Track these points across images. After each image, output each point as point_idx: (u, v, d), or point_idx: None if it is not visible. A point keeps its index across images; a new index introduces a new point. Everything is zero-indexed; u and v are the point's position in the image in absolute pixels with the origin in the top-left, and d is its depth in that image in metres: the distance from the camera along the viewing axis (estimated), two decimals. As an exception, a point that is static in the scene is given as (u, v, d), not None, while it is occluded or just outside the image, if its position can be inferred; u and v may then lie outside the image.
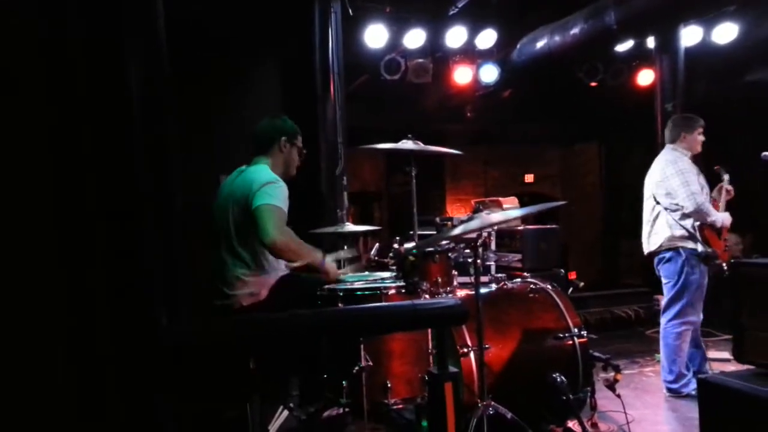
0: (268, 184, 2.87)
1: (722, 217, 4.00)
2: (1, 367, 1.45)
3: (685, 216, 3.95)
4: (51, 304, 1.55)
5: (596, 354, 3.33)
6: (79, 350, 1.54)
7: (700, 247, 3.91)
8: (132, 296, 1.58)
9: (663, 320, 4.10)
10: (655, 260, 4.16)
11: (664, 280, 4.12)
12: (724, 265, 3.95)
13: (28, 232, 1.54)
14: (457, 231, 3.03)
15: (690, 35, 6.08)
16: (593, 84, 6.84)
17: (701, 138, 4.16)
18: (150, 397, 1.53)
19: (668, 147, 4.19)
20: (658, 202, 4.07)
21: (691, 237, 3.94)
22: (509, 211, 3.94)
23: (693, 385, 3.92)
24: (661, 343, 4.09)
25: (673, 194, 3.98)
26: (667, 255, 4.04)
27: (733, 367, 4.38)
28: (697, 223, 3.94)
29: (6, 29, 1.51)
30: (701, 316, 4.06)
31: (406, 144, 3.31)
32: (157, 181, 1.87)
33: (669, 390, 4.03)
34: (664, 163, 4.10)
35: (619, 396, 3.21)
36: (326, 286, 2.93)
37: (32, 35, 1.56)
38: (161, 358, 1.47)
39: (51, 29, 1.57)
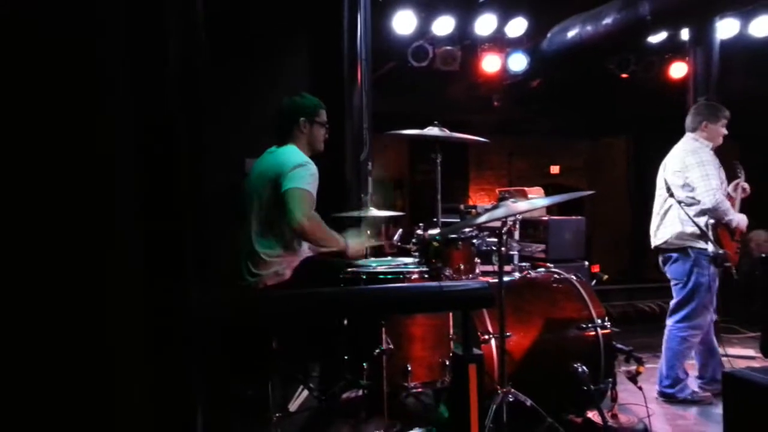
0: (299, 167, 2.88)
1: (739, 218, 3.76)
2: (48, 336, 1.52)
3: (700, 212, 3.70)
4: (95, 277, 1.61)
5: (619, 346, 3.31)
6: (115, 319, 1.58)
7: (710, 248, 3.67)
8: (165, 269, 1.62)
9: (669, 322, 3.86)
10: (661, 258, 3.95)
11: (672, 282, 3.89)
12: (734, 269, 3.73)
13: (78, 215, 1.60)
14: (483, 218, 3.03)
15: (726, 28, 5.94)
16: (624, 76, 6.73)
17: (724, 131, 3.89)
18: (181, 364, 1.57)
19: (688, 135, 3.93)
20: (671, 195, 3.83)
21: (702, 236, 3.70)
22: (535, 200, 3.90)
23: (689, 389, 3.77)
24: (664, 346, 3.85)
25: (690, 186, 3.72)
26: (675, 256, 3.82)
27: (757, 364, 4.34)
28: (711, 221, 3.69)
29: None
30: (713, 317, 3.84)
31: (432, 131, 3.31)
32: (189, 160, 1.91)
33: (662, 395, 3.79)
34: (683, 152, 3.84)
35: (640, 388, 3.19)
36: (349, 269, 2.94)
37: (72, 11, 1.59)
38: (192, 328, 1.50)
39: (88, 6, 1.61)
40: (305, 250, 3.08)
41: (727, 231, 3.76)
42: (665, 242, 3.86)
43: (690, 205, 3.75)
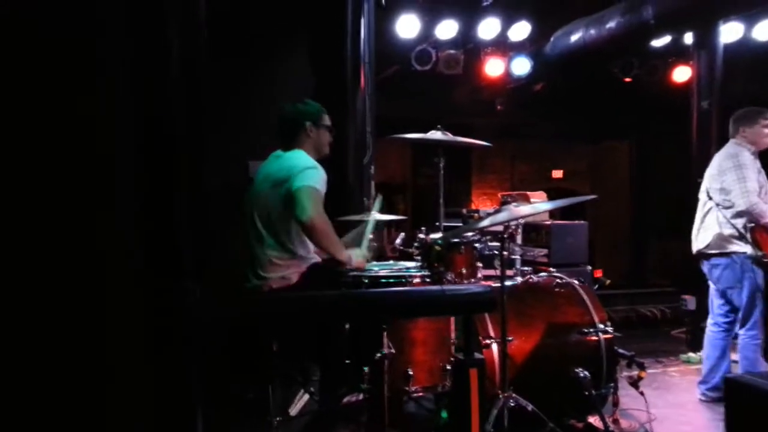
0: (308, 169, 2.89)
1: None
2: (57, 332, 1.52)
3: (737, 214, 3.69)
4: (95, 276, 1.61)
5: (621, 351, 3.30)
6: (115, 318, 1.59)
7: (749, 250, 3.66)
8: (165, 269, 1.63)
9: (741, 331, 3.79)
10: (706, 264, 3.91)
11: (726, 290, 3.84)
12: None
13: (78, 214, 1.61)
14: (485, 222, 3.03)
15: (730, 31, 5.93)
16: (627, 80, 6.72)
17: (767, 131, 3.88)
18: (181, 364, 1.57)
19: (731, 141, 3.95)
20: (710, 198, 3.84)
21: (741, 237, 3.69)
22: (538, 204, 3.90)
23: None
24: (740, 355, 3.79)
25: (726, 190, 3.73)
26: (721, 262, 3.79)
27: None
28: (750, 224, 3.66)
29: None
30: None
31: (435, 135, 3.31)
32: (189, 161, 1.92)
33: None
34: (723, 156, 3.86)
35: (642, 393, 3.18)
36: (351, 273, 2.94)
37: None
38: (192, 328, 1.51)
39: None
40: (312, 255, 3.07)
41: (766, 233, 3.71)
42: (707, 245, 3.86)
43: (727, 208, 3.75)
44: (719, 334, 3.91)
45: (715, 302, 3.96)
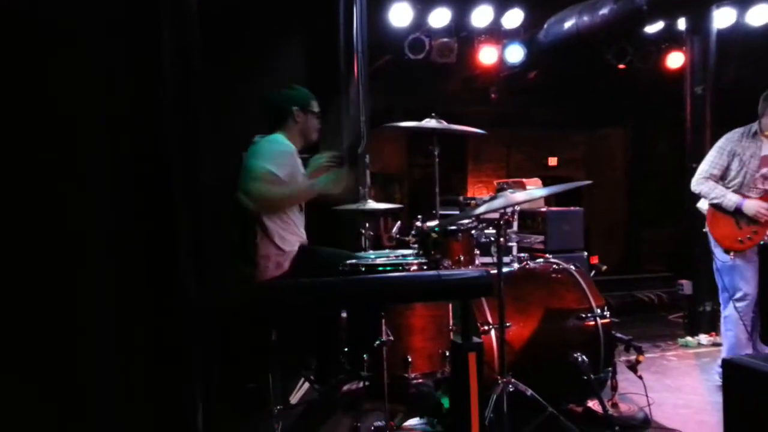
0: (265, 147, 2.93)
1: (737, 202, 3.70)
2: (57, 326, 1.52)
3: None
4: (93, 270, 1.61)
5: (618, 335, 3.31)
6: (115, 310, 1.58)
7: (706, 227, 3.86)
8: (163, 261, 1.62)
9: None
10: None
11: None
12: (731, 254, 3.75)
13: (74, 210, 1.60)
14: (482, 209, 3.02)
15: (723, 17, 5.92)
16: (621, 66, 6.71)
17: None
18: (181, 355, 1.57)
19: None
20: None
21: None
22: (533, 190, 3.90)
23: None
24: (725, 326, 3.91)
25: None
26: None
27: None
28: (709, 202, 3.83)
29: None
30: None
31: (430, 123, 3.30)
32: (186, 157, 1.91)
33: None
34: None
35: (640, 377, 3.19)
36: (348, 261, 2.93)
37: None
38: (191, 319, 1.50)
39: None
40: (296, 239, 3.06)
41: (730, 216, 3.75)
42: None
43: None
44: None
45: None
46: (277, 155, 2.93)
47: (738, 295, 3.78)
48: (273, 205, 2.95)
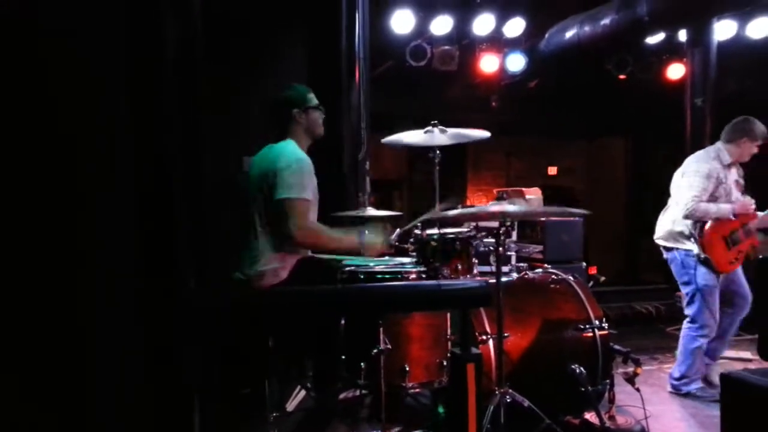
0: (287, 170, 2.86)
1: (731, 208, 3.79)
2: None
3: (684, 216, 3.83)
4: (92, 272, 1.60)
5: (617, 347, 3.30)
6: (113, 313, 1.57)
7: (696, 249, 3.82)
8: (164, 262, 1.61)
9: (685, 322, 4.01)
10: (664, 254, 4.12)
11: (679, 283, 4.06)
12: (720, 277, 3.84)
13: (75, 209, 1.60)
14: (473, 209, 3.03)
15: (723, 29, 5.95)
16: (622, 77, 6.73)
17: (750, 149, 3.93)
18: (178, 358, 1.56)
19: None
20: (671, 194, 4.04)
21: (689, 236, 3.87)
22: (530, 206, 3.91)
23: (695, 385, 3.89)
24: (680, 341, 4.01)
25: (681, 191, 3.89)
26: (670, 257, 4.01)
27: (754, 366, 4.33)
28: (700, 224, 3.81)
29: None
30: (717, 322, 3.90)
31: (431, 133, 3.28)
32: (186, 157, 1.90)
33: (672, 386, 3.99)
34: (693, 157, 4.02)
35: (638, 390, 3.18)
36: (347, 269, 2.92)
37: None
38: (189, 317, 1.50)
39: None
40: (300, 248, 3.05)
41: (722, 240, 3.84)
42: (658, 238, 4.08)
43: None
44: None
45: None
46: (307, 177, 2.91)
47: (711, 323, 3.87)
48: (317, 244, 2.95)
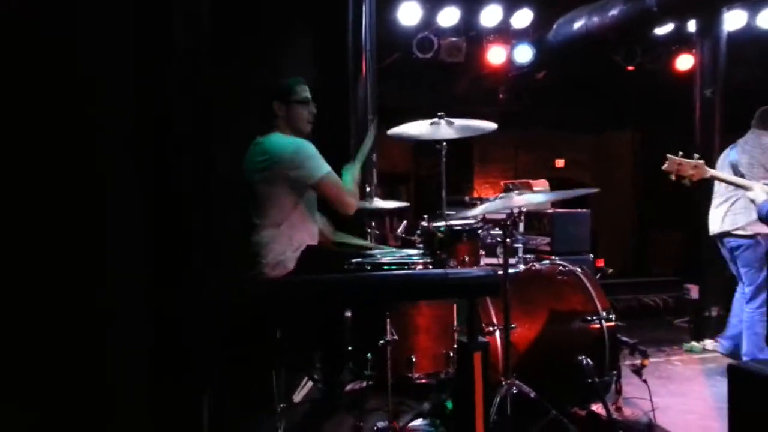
0: (298, 154, 2.87)
1: None
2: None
3: None
4: (102, 266, 1.61)
5: (624, 338, 3.29)
6: (123, 306, 1.58)
7: None
8: (173, 257, 1.62)
9: (749, 308, 4.06)
10: (730, 243, 4.12)
11: (743, 269, 4.10)
12: None
13: (87, 204, 1.61)
14: (491, 207, 3.02)
15: (733, 19, 5.88)
16: (630, 68, 6.68)
17: None
18: (188, 351, 1.57)
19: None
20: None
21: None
22: (538, 194, 3.89)
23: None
24: (748, 332, 4.06)
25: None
26: (746, 243, 4.03)
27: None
28: None
29: None
30: None
31: (437, 127, 3.25)
32: (195, 155, 1.91)
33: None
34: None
35: (645, 382, 3.18)
36: (353, 260, 2.93)
37: None
38: (201, 309, 1.50)
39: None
40: (304, 237, 3.05)
41: None
42: (737, 228, 4.07)
43: None
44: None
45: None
46: (315, 152, 2.93)
47: None
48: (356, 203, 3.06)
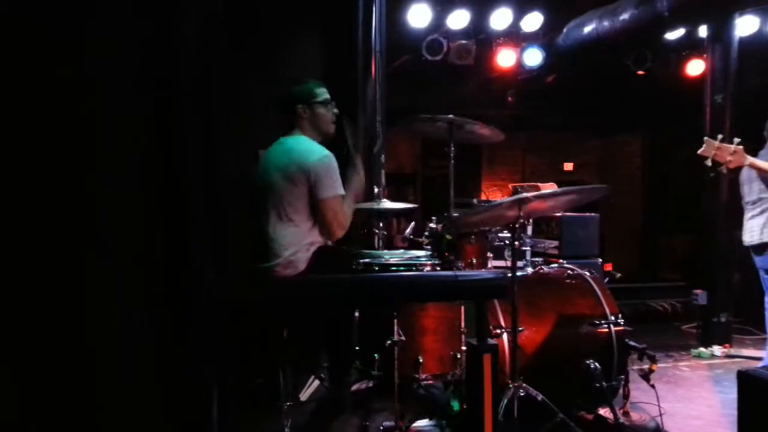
0: (321, 168, 2.86)
1: None
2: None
3: None
4: (110, 264, 1.62)
5: (632, 343, 3.28)
6: (130, 304, 1.59)
7: None
8: (181, 254, 1.63)
9: None
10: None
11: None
12: None
13: (94, 201, 1.61)
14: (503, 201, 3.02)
15: (745, 25, 5.85)
16: (641, 72, 6.65)
17: None
18: (196, 348, 1.57)
19: None
20: None
21: None
22: (549, 190, 3.87)
23: None
24: None
25: None
26: None
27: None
28: None
29: None
30: None
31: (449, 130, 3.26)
32: (204, 151, 1.92)
33: None
34: None
35: (653, 386, 3.16)
36: (362, 260, 2.92)
37: None
38: (209, 307, 1.51)
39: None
40: (317, 239, 3.05)
41: None
42: None
43: None
44: None
45: None
46: (337, 172, 2.93)
47: None
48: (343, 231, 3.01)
